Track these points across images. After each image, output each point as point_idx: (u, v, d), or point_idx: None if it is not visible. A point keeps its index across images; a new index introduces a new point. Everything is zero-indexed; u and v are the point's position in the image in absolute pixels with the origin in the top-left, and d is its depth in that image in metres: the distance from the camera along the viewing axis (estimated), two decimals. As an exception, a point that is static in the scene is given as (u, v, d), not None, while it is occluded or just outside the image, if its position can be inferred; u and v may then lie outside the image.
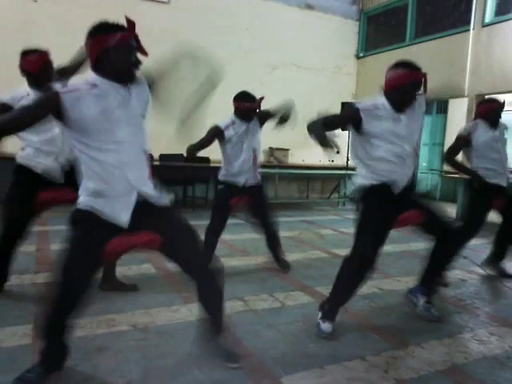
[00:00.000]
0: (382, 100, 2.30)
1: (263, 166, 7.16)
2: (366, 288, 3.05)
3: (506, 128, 3.43)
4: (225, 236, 4.58)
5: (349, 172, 8.07)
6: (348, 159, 8.26)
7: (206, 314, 1.97)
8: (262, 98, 3.32)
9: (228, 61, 7.50)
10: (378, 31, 9.03)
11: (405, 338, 2.32)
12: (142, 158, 1.76)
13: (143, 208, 1.71)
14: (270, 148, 7.79)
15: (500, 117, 3.34)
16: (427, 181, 9.77)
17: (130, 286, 2.87)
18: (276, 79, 7.97)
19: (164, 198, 1.81)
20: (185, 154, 3.26)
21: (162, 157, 6.70)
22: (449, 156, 3.35)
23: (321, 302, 2.47)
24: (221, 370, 1.91)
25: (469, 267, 3.82)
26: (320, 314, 2.39)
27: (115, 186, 1.67)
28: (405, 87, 2.24)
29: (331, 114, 2.32)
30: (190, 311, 2.54)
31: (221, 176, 3.37)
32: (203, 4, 7.33)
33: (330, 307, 2.39)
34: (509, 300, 3.06)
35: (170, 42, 7.03)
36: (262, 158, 8.04)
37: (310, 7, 8.38)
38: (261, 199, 3.44)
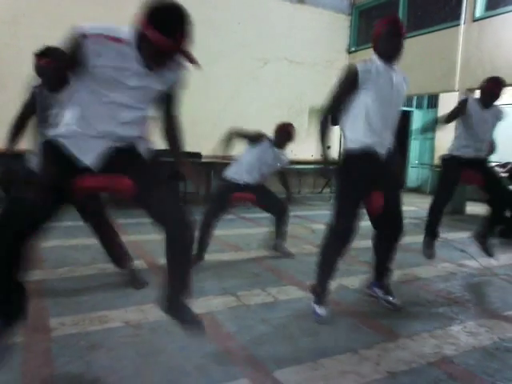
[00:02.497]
0: (373, 57, 2.39)
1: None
2: (357, 281, 3.08)
3: (500, 113, 3.47)
4: (217, 231, 4.59)
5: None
6: (340, 154, 8.30)
7: (172, 269, 1.86)
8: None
9: (220, 55, 7.48)
10: (369, 26, 9.02)
11: (396, 331, 2.35)
12: (137, 123, 1.78)
13: (119, 154, 1.73)
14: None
15: (493, 99, 3.36)
16: (418, 175, 9.84)
17: (142, 282, 2.87)
18: (268, 73, 7.95)
19: (142, 146, 1.83)
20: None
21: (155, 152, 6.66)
22: (447, 118, 3.51)
23: (312, 286, 2.53)
24: (215, 365, 1.91)
25: (459, 260, 3.86)
26: (314, 299, 2.48)
27: (91, 127, 1.68)
28: (382, 34, 2.33)
29: (329, 97, 2.39)
30: (182, 307, 2.54)
31: (228, 174, 3.56)
32: (194, -2, 7.28)
33: (321, 288, 2.47)
34: (498, 292, 3.10)
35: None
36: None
37: (301, 1, 8.35)
38: (263, 188, 3.66)
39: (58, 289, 2.73)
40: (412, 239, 3.80)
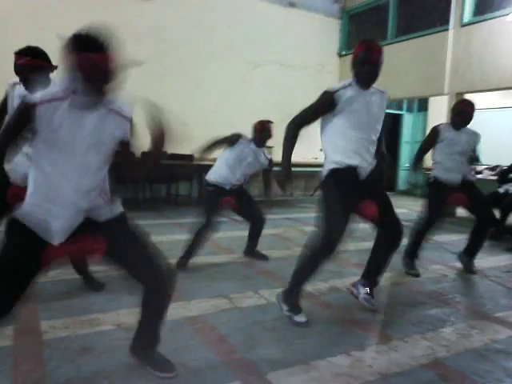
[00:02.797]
0: (350, 79, 2.41)
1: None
2: (350, 284, 3.08)
3: (476, 137, 3.51)
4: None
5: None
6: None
7: (146, 323, 1.86)
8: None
9: (211, 58, 7.48)
10: (359, 29, 9.10)
11: (388, 333, 2.36)
12: (97, 189, 1.67)
13: (87, 221, 1.65)
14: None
15: (466, 119, 3.40)
16: (409, 178, 9.90)
17: (98, 284, 2.84)
18: (259, 77, 7.97)
19: (113, 210, 1.73)
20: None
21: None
22: (422, 151, 3.66)
23: (283, 295, 2.51)
24: (207, 368, 1.90)
25: (450, 262, 3.89)
26: (286, 307, 2.47)
27: (57, 201, 1.58)
28: (358, 57, 2.37)
29: (304, 112, 2.42)
30: (174, 309, 2.51)
31: (211, 177, 3.54)
32: (186, 0, 7.27)
33: (292, 295, 2.47)
34: (488, 294, 3.13)
35: (154, 39, 7.03)
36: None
37: (292, 5, 8.39)
38: (245, 195, 3.67)
39: (49, 292, 2.70)
40: (403, 241, 3.81)
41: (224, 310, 2.58)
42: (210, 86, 7.42)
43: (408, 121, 9.81)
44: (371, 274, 2.70)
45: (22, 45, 2.54)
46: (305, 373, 1.90)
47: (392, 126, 9.31)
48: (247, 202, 3.66)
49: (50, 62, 2.55)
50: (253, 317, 2.49)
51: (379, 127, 2.50)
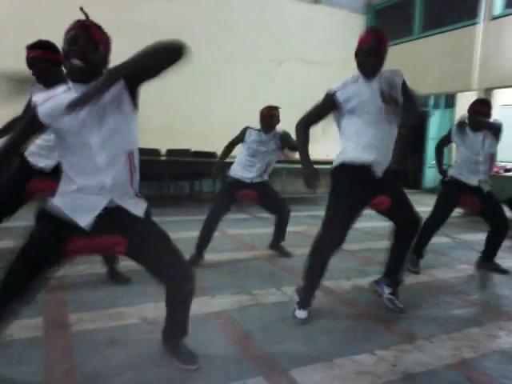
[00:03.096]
0: (355, 73, 2.37)
1: (282, 161, 7.16)
2: (373, 280, 3.05)
3: (497, 129, 3.38)
4: (233, 230, 4.62)
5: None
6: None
7: (171, 317, 1.91)
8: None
9: (234, 56, 7.50)
10: (385, 25, 8.94)
11: (413, 332, 2.33)
12: (119, 161, 1.62)
13: (113, 213, 1.64)
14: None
15: (479, 122, 3.32)
16: (435, 175, 9.70)
17: (123, 278, 2.90)
18: (283, 74, 7.95)
19: (139, 208, 1.72)
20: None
21: (170, 152, 6.72)
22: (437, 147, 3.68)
23: (297, 288, 2.53)
24: (230, 363, 1.92)
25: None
26: (297, 301, 2.48)
27: (84, 189, 1.60)
28: (361, 47, 2.29)
29: (308, 113, 2.42)
30: (198, 305, 2.54)
31: (232, 172, 3.56)
32: (210, -2, 7.32)
33: (305, 293, 2.47)
34: (518, 295, 3.05)
35: (178, 36, 7.08)
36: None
37: (316, 1, 8.33)
38: (268, 189, 3.68)
39: (77, 285, 2.77)
40: (431, 240, 3.75)
41: (247, 306, 2.59)
42: (234, 83, 7.44)
43: (435, 117, 9.60)
44: (392, 272, 2.66)
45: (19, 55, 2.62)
46: (328, 370, 1.90)
47: (418, 122, 9.13)
48: (270, 195, 3.67)
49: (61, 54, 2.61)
50: (276, 313, 2.50)
51: (396, 112, 2.38)
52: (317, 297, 2.78)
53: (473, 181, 3.38)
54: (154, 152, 6.63)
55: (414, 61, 7.49)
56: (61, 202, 1.63)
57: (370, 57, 2.26)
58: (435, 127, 9.58)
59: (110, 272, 2.90)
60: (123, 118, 1.61)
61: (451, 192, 3.48)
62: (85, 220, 1.61)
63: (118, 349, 2.00)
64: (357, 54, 2.35)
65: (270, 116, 3.50)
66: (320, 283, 2.49)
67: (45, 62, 2.53)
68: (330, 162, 2.55)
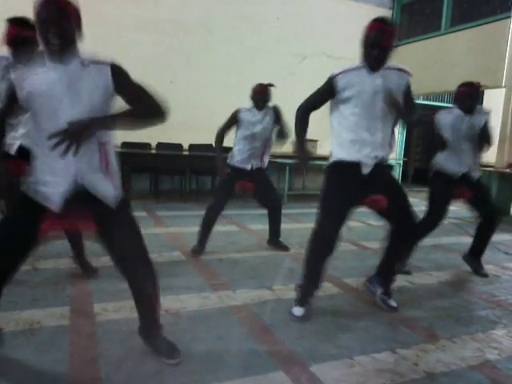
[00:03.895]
0: (359, 62, 2.29)
1: (291, 157, 7.14)
2: (397, 281, 3.03)
3: (485, 113, 3.21)
4: (254, 226, 4.64)
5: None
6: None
7: (140, 311, 1.91)
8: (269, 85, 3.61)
9: (258, 50, 7.48)
10: (411, 20, 8.79)
11: (435, 332, 2.30)
12: (89, 148, 1.63)
13: (84, 197, 1.67)
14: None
15: (471, 102, 3.13)
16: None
17: (92, 269, 2.90)
18: (306, 69, 7.89)
19: (110, 197, 1.72)
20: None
21: (192, 147, 6.77)
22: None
23: (297, 285, 2.50)
24: (251, 356, 1.94)
25: (502, 263, 3.72)
26: (295, 298, 2.46)
27: (54, 169, 1.64)
28: (366, 37, 2.19)
29: (309, 97, 2.39)
30: (219, 298, 2.58)
31: (232, 160, 3.58)
32: (234, -7, 7.31)
33: (302, 290, 2.44)
34: (545, 297, 2.97)
35: (202, 33, 7.12)
36: (290, 148, 8.03)
37: (341, -5, 8.22)
38: (265, 180, 3.67)
39: (102, 276, 2.83)
40: (454, 240, 3.70)
41: (268, 300, 2.61)
42: (257, 78, 7.35)
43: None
44: (385, 272, 2.60)
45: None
46: (348, 367, 1.89)
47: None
48: (266, 186, 3.68)
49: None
50: (296, 309, 2.50)
51: (392, 112, 2.29)
52: (337, 294, 2.79)
53: (463, 170, 3.22)
54: (177, 147, 6.70)
55: (441, 57, 7.33)
56: (32, 183, 1.68)
57: (373, 48, 2.16)
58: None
59: (78, 260, 2.89)
60: (100, 106, 1.63)
61: (441, 187, 3.26)
62: (54, 201, 1.66)
63: (141, 339, 2.03)
64: (362, 45, 2.25)
65: (262, 91, 3.51)
66: (319, 281, 2.44)
67: (35, 44, 2.26)
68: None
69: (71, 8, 1.60)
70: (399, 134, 8.77)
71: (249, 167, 3.53)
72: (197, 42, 6.95)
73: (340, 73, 2.25)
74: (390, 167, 2.47)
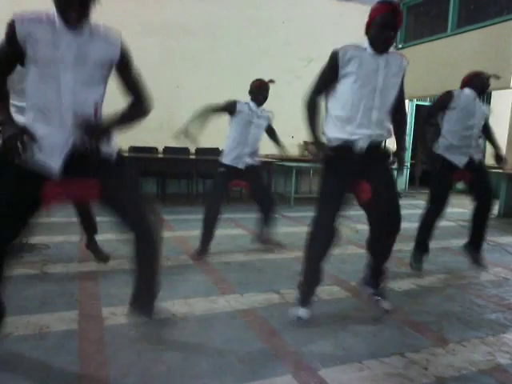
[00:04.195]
0: (364, 43, 2.25)
1: (298, 160, 7.14)
2: (405, 284, 3.02)
3: (488, 112, 3.35)
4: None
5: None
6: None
7: (139, 271, 1.97)
8: (270, 81, 3.57)
9: (264, 54, 7.50)
10: (418, 21, 8.77)
11: (445, 336, 2.28)
12: (87, 107, 1.71)
13: (83, 156, 1.71)
14: (305, 142, 7.75)
15: (484, 88, 3.27)
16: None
17: (104, 256, 3.09)
18: (312, 72, 7.78)
19: (108, 151, 1.80)
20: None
21: (199, 151, 6.79)
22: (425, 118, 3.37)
23: (298, 284, 2.48)
24: (259, 360, 1.93)
25: (511, 265, 3.69)
26: (297, 298, 2.45)
27: (49, 121, 1.68)
28: (376, 19, 2.14)
29: (315, 80, 2.34)
30: (227, 302, 2.58)
31: (224, 159, 3.57)
32: (239, -3, 7.34)
33: (303, 289, 2.42)
34: (556, 300, 2.93)
35: (207, 36, 7.15)
36: (296, 151, 8.03)
37: (347, -2, 8.22)
38: (259, 178, 3.70)
39: (110, 280, 2.84)
40: (462, 242, 3.66)
41: (275, 304, 2.60)
42: (263, 82, 7.44)
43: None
44: (375, 273, 2.56)
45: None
46: (357, 371, 1.88)
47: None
48: (260, 185, 3.70)
49: None
50: (304, 313, 2.49)
51: (393, 94, 2.29)
52: (345, 298, 2.77)
53: (464, 159, 3.27)
54: (184, 151, 6.72)
55: (448, 58, 7.30)
56: (30, 153, 1.67)
57: (385, 30, 2.11)
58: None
59: (89, 244, 3.07)
60: (99, 73, 1.73)
61: (443, 174, 3.28)
62: (55, 162, 1.69)
63: (149, 343, 2.03)
64: (368, 27, 2.19)
65: (261, 87, 3.49)
66: (319, 281, 2.43)
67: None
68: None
69: None
70: (406, 136, 8.73)
71: (241, 165, 3.53)
72: (203, 45, 6.99)
73: (343, 47, 2.22)
74: (387, 155, 2.46)
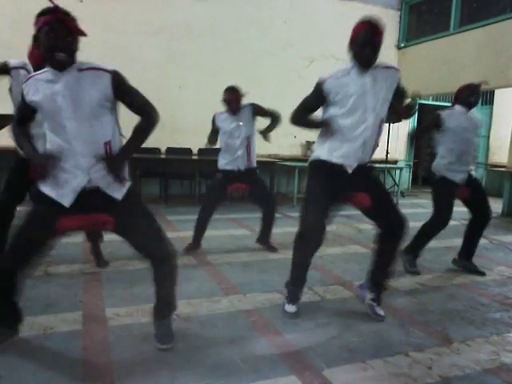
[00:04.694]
0: (348, 64, 2.29)
1: (300, 160, 7.13)
2: (409, 284, 3.01)
3: (479, 122, 3.36)
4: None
5: (388, 166, 7.91)
6: (388, 153, 8.10)
7: (157, 295, 2.05)
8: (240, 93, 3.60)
9: (266, 54, 7.50)
10: (420, 20, 8.74)
11: (449, 335, 2.27)
12: (96, 148, 1.78)
13: (95, 193, 1.81)
14: (307, 142, 7.74)
15: (476, 99, 3.25)
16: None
17: (104, 262, 3.17)
18: (314, 72, 7.84)
19: (119, 191, 1.86)
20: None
21: (201, 151, 6.80)
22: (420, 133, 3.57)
23: (286, 281, 2.56)
24: (263, 360, 1.93)
25: (517, 264, 3.67)
26: (285, 295, 2.53)
27: (64, 169, 1.77)
28: (357, 37, 2.21)
29: (297, 107, 2.42)
30: (230, 302, 2.58)
31: (220, 164, 3.67)
32: (241, -2, 7.34)
33: (291, 288, 2.51)
34: (561, 299, 2.92)
35: (209, 37, 7.15)
36: (299, 151, 8.03)
37: (349, -2, 8.21)
38: (258, 181, 3.73)
39: (114, 281, 2.85)
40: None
41: (278, 304, 2.59)
42: (265, 82, 7.44)
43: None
44: (376, 278, 2.51)
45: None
46: (361, 371, 1.88)
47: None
48: (260, 187, 3.72)
49: None
50: (307, 313, 2.49)
51: (384, 108, 2.30)
52: (349, 297, 2.77)
53: (462, 177, 3.27)
54: (186, 151, 6.73)
55: (450, 57, 7.28)
56: (46, 183, 1.81)
57: (365, 47, 2.17)
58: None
59: (93, 250, 3.15)
60: (100, 110, 1.77)
61: (447, 192, 3.28)
62: (67, 199, 1.80)
63: (153, 344, 2.04)
64: (351, 45, 2.25)
65: (230, 100, 3.51)
66: (305, 276, 2.49)
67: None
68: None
69: (73, 23, 1.72)
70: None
71: (236, 168, 3.58)
72: (205, 46, 6.99)
73: (329, 78, 2.27)
74: (373, 167, 2.49)
